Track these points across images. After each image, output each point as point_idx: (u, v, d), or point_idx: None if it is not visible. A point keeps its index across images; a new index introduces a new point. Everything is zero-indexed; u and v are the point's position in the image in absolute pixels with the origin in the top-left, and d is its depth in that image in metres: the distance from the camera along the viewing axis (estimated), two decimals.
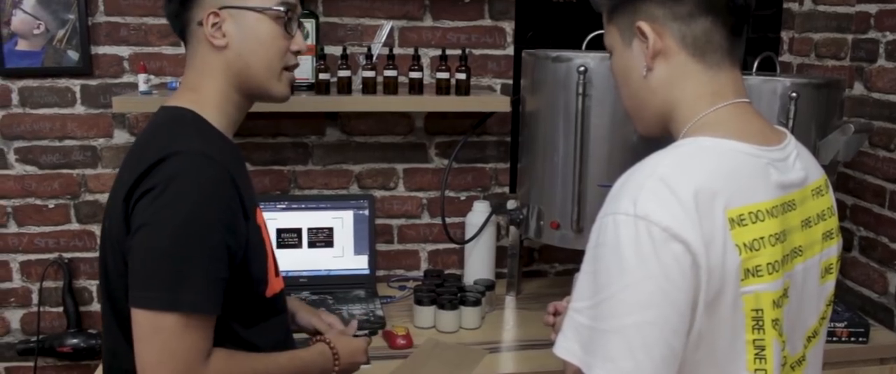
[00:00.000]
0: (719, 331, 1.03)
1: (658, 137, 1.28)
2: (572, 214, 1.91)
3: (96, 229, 2.24)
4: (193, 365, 1.13)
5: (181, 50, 2.13)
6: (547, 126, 1.96)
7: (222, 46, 1.24)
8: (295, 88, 2.00)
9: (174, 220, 1.11)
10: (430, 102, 2.07)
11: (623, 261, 1.00)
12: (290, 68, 1.31)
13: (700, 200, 1.00)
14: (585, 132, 1.87)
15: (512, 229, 2.21)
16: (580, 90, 1.83)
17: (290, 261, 2.23)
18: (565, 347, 1.06)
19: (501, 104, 2.08)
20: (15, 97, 2.12)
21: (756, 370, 1.05)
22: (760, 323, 1.05)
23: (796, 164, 1.14)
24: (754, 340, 1.05)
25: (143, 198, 1.13)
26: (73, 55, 2.09)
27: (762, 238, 1.04)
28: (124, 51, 2.14)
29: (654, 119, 1.19)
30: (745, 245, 1.02)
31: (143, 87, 2.01)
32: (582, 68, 1.82)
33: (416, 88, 2.07)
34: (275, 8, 1.26)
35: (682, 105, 1.14)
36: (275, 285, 1.30)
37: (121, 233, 1.17)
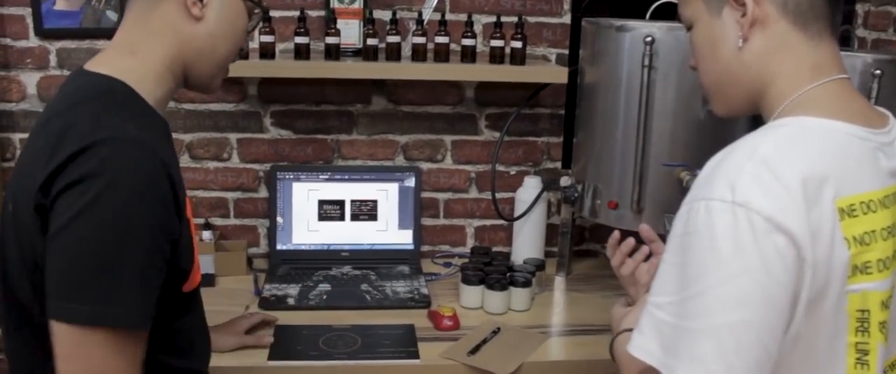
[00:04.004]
0: (819, 332, 0.93)
1: (736, 116, 1.18)
2: (632, 193, 1.80)
3: None
4: None
5: None
6: (607, 99, 1.85)
7: (197, 17, 1.12)
8: (340, 53, 1.93)
9: (103, 223, 0.96)
10: (484, 72, 1.96)
11: (717, 253, 0.90)
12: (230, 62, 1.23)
13: (808, 187, 0.89)
14: (649, 107, 1.75)
15: (564, 206, 2.10)
16: (646, 62, 1.72)
17: (332, 234, 2.15)
18: (642, 346, 0.97)
19: (559, 75, 1.97)
20: (53, 59, 2.04)
21: None
22: (865, 325, 0.94)
23: None
24: (857, 343, 0.95)
25: (66, 193, 0.97)
26: (112, 16, 2.01)
27: (873, 232, 0.93)
28: None
29: (743, 97, 1.08)
30: (855, 239, 0.92)
31: None
32: (649, 38, 1.70)
33: (469, 56, 1.96)
34: (257, 3, 1.20)
35: (779, 80, 1.03)
36: (194, 279, 1.18)
37: (32, 228, 1.02)
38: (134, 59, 1.10)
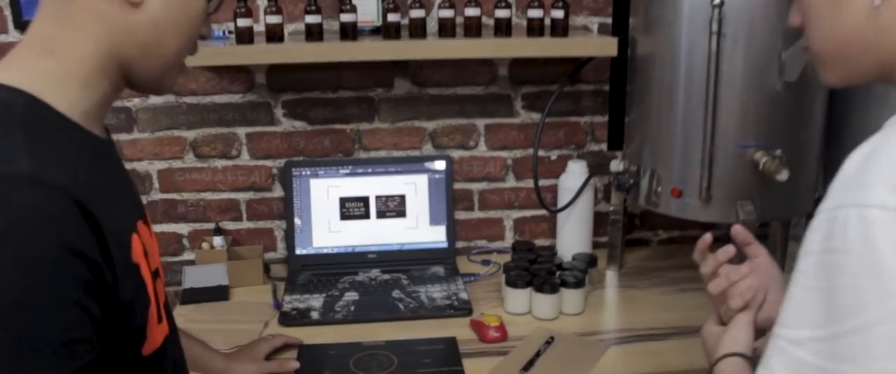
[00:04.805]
0: None
1: (851, 87, 0.95)
2: (701, 179, 1.57)
3: None
4: None
5: None
6: (666, 72, 1.61)
7: (135, 2, 0.84)
8: (357, 32, 1.70)
9: None
10: (522, 46, 1.73)
11: (881, 277, 0.68)
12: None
13: None
14: (718, 80, 1.52)
15: (615, 193, 1.88)
16: (714, 28, 1.48)
17: (357, 235, 1.94)
18: None
19: (608, 47, 1.73)
20: None
21: None
22: None
23: None
24: None
25: None
26: None
27: None
28: None
29: (873, 67, 0.85)
30: None
31: None
32: (718, 1, 1.47)
33: (504, 29, 1.73)
34: None
35: None
36: (156, 337, 0.91)
37: None
38: (50, 60, 0.83)
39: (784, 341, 0.76)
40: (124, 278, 0.81)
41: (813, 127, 1.62)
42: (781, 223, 1.79)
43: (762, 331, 1.06)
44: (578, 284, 1.71)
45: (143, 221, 0.92)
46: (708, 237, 1.13)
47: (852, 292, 0.70)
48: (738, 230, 1.13)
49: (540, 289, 1.69)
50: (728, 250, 1.09)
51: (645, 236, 2.15)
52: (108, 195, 0.83)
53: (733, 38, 1.51)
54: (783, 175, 1.47)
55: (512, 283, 1.71)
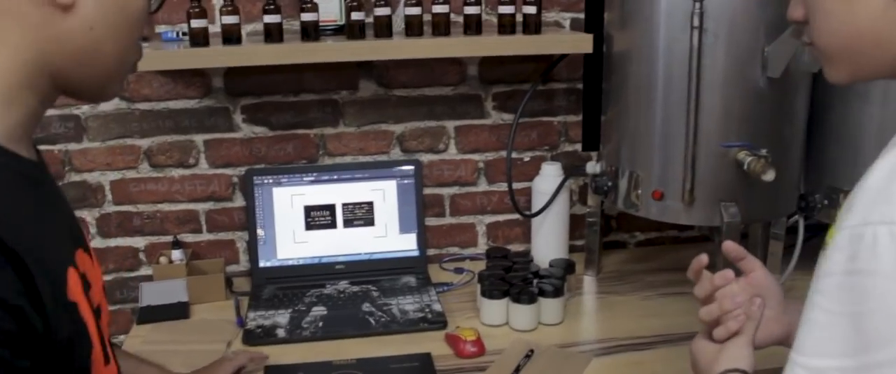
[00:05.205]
0: None
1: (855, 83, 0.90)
2: (685, 181, 1.51)
3: (87, 215, 1.85)
4: None
5: None
6: (643, 69, 1.55)
7: (66, 5, 0.73)
8: (319, 32, 1.61)
9: None
10: (495, 45, 1.65)
11: None
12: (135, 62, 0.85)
13: None
14: (700, 77, 1.45)
15: (592, 196, 1.81)
16: (696, 22, 1.41)
17: (323, 245, 1.84)
18: None
19: (583, 44, 1.66)
20: None
21: None
22: None
23: None
24: None
25: None
26: None
27: None
28: None
29: (886, 64, 0.79)
30: None
31: None
32: None
33: (474, 27, 1.65)
34: None
35: None
36: None
37: None
38: None
39: (804, 369, 0.70)
40: (59, 320, 0.70)
41: (796, 124, 1.56)
42: (762, 223, 1.73)
43: (760, 348, 1.00)
44: (557, 292, 1.64)
45: (83, 249, 0.82)
46: (704, 259, 1.06)
47: (885, 319, 0.63)
48: (730, 247, 1.07)
49: (517, 299, 1.61)
50: (726, 276, 1.03)
51: (621, 239, 2.08)
52: (38, 226, 0.73)
53: (714, 33, 1.45)
54: (769, 175, 1.41)
55: (488, 293, 1.63)
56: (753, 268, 1.07)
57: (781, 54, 1.42)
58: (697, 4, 1.40)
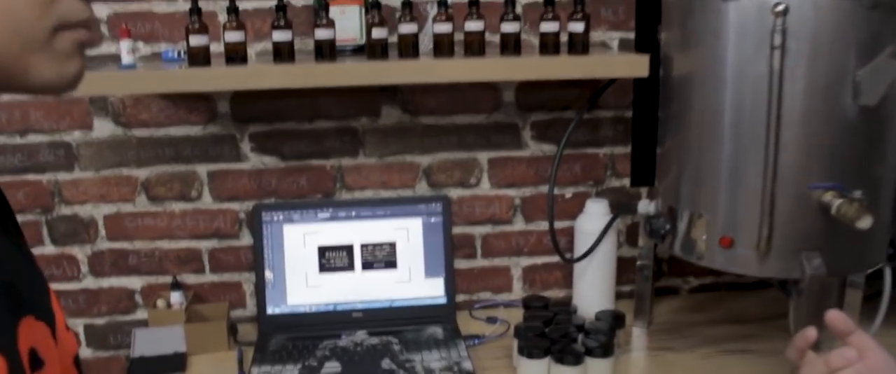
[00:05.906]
0: None
1: None
2: (761, 227, 1.29)
3: (78, 251, 1.67)
4: None
5: (179, 6, 1.55)
6: (709, 95, 1.34)
7: None
8: (336, 52, 1.42)
9: None
10: (536, 67, 1.44)
11: None
12: (69, 27, 0.60)
13: None
14: (780, 104, 1.24)
15: (644, 239, 1.59)
16: (776, 42, 1.20)
17: (339, 290, 1.66)
18: None
19: (638, 67, 1.45)
20: None
21: None
22: None
23: None
24: None
25: None
26: None
27: None
28: (101, 9, 1.55)
29: None
30: None
31: (126, 58, 1.42)
32: (781, 7, 1.19)
33: (511, 46, 1.45)
34: None
35: None
36: None
37: None
38: None
39: None
40: None
41: (887, 160, 1.34)
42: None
43: None
44: (606, 351, 1.42)
45: (35, 316, 0.62)
46: (812, 335, 0.85)
47: None
48: (837, 319, 0.86)
49: (560, 359, 1.40)
50: (847, 355, 0.82)
51: (674, 284, 1.86)
52: None
53: (795, 53, 1.23)
54: (865, 222, 1.19)
55: (526, 352, 1.42)
56: (866, 346, 0.87)
57: (878, 79, 1.21)
58: (779, 20, 1.19)
